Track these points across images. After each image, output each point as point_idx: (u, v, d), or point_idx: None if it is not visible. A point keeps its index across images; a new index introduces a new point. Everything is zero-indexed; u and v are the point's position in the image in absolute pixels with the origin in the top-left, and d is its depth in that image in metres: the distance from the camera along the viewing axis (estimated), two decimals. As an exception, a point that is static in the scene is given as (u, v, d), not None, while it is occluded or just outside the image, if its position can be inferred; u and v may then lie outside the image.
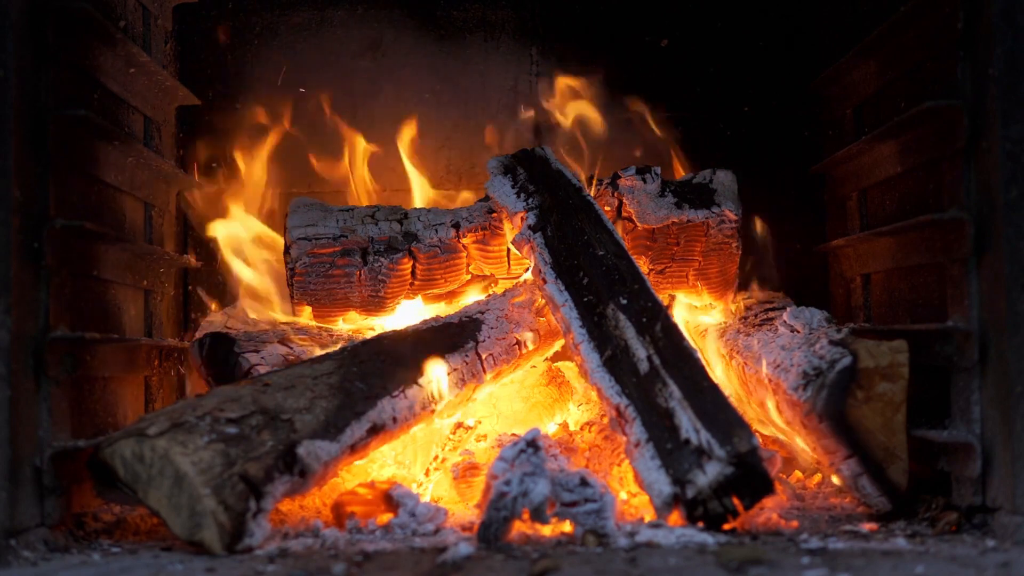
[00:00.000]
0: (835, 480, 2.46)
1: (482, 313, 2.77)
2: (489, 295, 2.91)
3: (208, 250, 3.27)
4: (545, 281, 2.57)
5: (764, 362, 2.53)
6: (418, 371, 2.50)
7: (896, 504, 2.27)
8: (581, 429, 2.77)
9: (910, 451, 2.25)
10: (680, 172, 3.23)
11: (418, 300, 2.97)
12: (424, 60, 3.41)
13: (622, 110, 3.37)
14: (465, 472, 2.47)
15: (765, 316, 2.84)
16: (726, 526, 2.12)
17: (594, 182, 3.01)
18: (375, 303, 2.92)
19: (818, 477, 2.66)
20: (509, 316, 2.78)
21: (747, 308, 3.01)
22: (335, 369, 2.39)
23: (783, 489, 2.54)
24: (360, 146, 3.31)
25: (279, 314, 3.13)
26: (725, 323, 2.96)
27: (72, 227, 2.22)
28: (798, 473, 2.70)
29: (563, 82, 3.33)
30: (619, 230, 2.76)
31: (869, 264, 2.89)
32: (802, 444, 2.48)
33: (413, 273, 2.91)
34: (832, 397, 2.25)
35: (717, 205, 2.91)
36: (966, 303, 2.18)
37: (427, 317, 2.82)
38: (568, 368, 3.06)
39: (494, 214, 2.88)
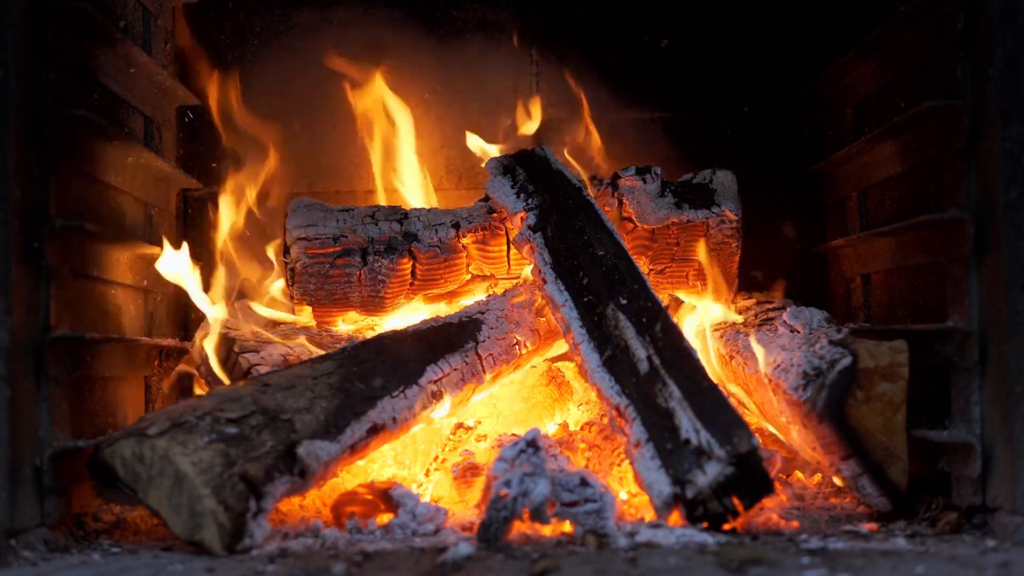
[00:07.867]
0: (836, 481, 2.46)
1: (482, 313, 2.77)
2: (489, 295, 2.91)
3: (209, 251, 3.26)
4: (545, 281, 2.57)
5: (764, 362, 2.53)
6: (418, 371, 2.50)
7: (896, 504, 2.28)
8: (581, 429, 2.77)
9: (910, 451, 2.25)
10: (680, 172, 3.23)
11: (418, 300, 2.97)
12: (424, 60, 3.41)
13: (622, 110, 3.37)
14: (465, 472, 2.46)
15: (765, 316, 2.84)
16: (726, 526, 2.12)
17: (594, 182, 3.01)
18: (375, 303, 2.92)
19: (818, 477, 2.66)
20: (509, 316, 2.77)
21: (747, 308, 3.01)
22: (335, 369, 2.39)
23: (783, 489, 2.54)
24: (359, 146, 3.31)
25: (279, 314, 3.13)
26: (725, 323, 2.95)
27: (72, 227, 2.23)
28: (798, 473, 2.70)
29: (563, 82, 3.33)
30: (619, 230, 2.76)
31: (869, 264, 2.89)
32: (802, 443, 2.48)
33: (413, 273, 2.91)
34: (832, 397, 2.24)
35: (717, 205, 2.91)
36: (966, 303, 2.18)
37: (427, 317, 2.82)
38: (568, 368, 3.06)
39: (494, 214, 2.88)
